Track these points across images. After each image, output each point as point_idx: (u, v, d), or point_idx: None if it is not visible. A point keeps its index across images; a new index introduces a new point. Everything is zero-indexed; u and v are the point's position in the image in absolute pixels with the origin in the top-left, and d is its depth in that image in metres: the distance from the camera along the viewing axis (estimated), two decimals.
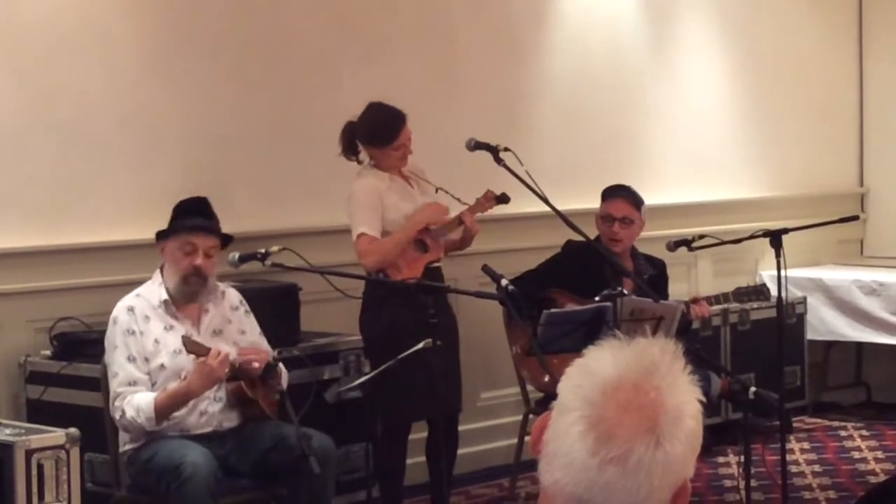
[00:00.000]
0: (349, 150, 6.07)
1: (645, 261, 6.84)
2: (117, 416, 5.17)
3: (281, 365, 5.39)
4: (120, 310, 5.26)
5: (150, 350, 5.22)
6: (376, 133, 6.00)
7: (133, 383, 5.16)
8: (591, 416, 1.73)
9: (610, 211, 6.71)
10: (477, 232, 6.18)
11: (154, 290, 5.32)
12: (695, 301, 6.53)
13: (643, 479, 1.71)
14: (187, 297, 5.31)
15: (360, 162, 6.09)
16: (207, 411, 5.30)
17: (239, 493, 5.32)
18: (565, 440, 1.74)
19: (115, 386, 5.18)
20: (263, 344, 5.48)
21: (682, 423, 1.74)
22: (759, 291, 6.69)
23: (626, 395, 1.73)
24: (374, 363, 5.76)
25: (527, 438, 6.50)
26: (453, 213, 6.18)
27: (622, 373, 1.75)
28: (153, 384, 5.20)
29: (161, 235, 5.36)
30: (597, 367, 1.77)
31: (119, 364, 5.18)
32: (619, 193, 6.76)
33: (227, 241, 5.39)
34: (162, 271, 5.36)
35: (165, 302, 5.29)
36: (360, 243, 5.95)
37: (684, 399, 1.75)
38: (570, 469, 1.73)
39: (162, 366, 5.22)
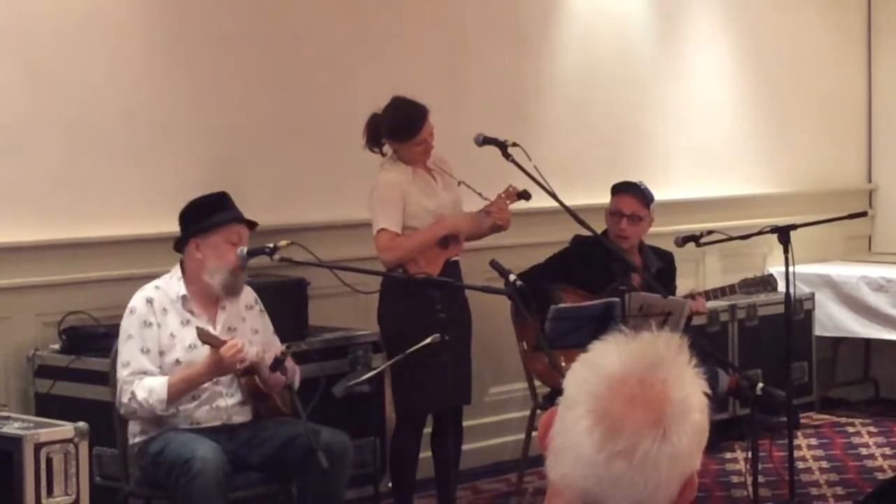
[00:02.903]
0: (373, 142, 6.07)
1: (653, 254, 6.84)
2: (125, 398, 5.14)
3: (292, 362, 5.40)
4: (138, 300, 5.26)
5: (166, 343, 5.23)
6: (399, 128, 6.00)
7: (143, 374, 5.17)
8: (598, 410, 1.74)
9: (619, 207, 6.70)
10: (508, 221, 6.18)
11: (173, 284, 5.32)
12: (691, 296, 6.54)
13: (651, 473, 1.72)
14: (233, 290, 5.34)
15: (383, 154, 6.10)
16: (220, 405, 5.31)
17: (249, 487, 5.32)
18: (572, 435, 1.75)
19: (124, 374, 5.17)
20: (276, 343, 5.50)
21: (688, 415, 1.75)
22: (766, 282, 6.68)
23: (631, 388, 1.74)
24: (390, 354, 5.78)
25: (534, 434, 6.49)
26: (474, 209, 6.19)
27: (628, 367, 1.76)
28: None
29: (199, 231, 5.31)
30: (602, 361, 1.77)
31: (132, 354, 5.18)
32: (628, 190, 6.75)
33: (251, 227, 5.44)
34: (183, 267, 5.36)
35: (184, 297, 5.29)
36: (380, 239, 5.96)
37: (690, 392, 1.76)
38: (577, 463, 1.74)
39: (177, 361, 5.23)
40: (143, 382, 5.14)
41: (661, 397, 1.74)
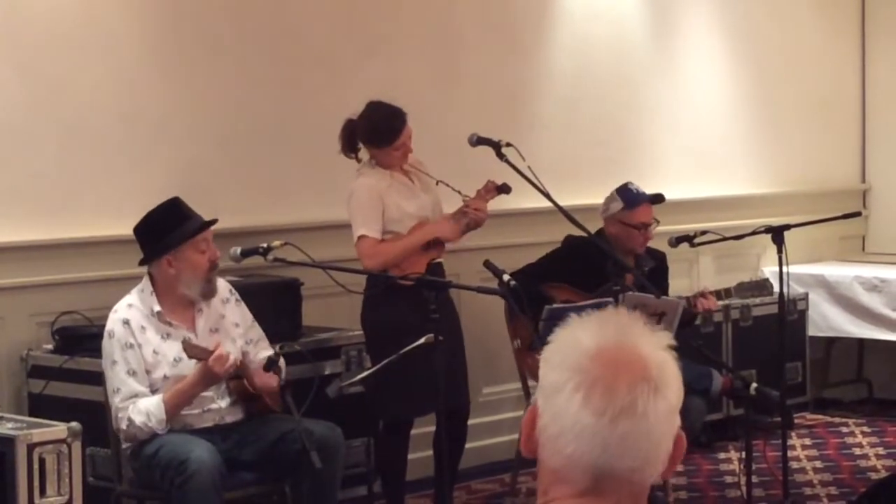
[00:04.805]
0: (349, 147, 6.05)
1: (645, 253, 6.83)
2: (123, 426, 5.14)
3: (281, 359, 5.40)
4: (115, 322, 5.22)
5: (150, 361, 5.21)
6: (377, 133, 5.97)
7: (135, 397, 5.16)
8: (587, 380, 1.79)
9: (642, 219, 6.60)
10: (485, 216, 6.15)
11: (146, 300, 5.29)
12: (702, 295, 6.52)
13: (652, 425, 1.79)
14: (210, 293, 5.33)
15: (359, 160, 6.08)
16: (211, 409, 5.30)
17: (243, 487, 5.32)
18: (567, 413, 1.79)
19: (117, 401, 5.16)
20: (257, 329, 5.49)
21: (668, 367, 1.83)
22: (762, 286, 6.67)
23: (612, 354, 1.81)
24: (376, 359, 5.75)
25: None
26: (454, 209, 6.18)
27: (600, 338, 1.83)
28: (155, 393, 5.20)
29: (168, 247, 5.26)
30: (572, 340, 1.84)
31: (120, 379, 5.16)
32: (645, 199, 6.66)
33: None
34: (152, 280, 5.31)
35: (159, 313, 5.26)
36: (361, 245, 5.93)
37: (658, 346, 1.84)
38: (582, 437, 1.78)
39: (165, 377, 5.21)
40: (137, 406, 5.13)
41: (641, 357, 1.81)
